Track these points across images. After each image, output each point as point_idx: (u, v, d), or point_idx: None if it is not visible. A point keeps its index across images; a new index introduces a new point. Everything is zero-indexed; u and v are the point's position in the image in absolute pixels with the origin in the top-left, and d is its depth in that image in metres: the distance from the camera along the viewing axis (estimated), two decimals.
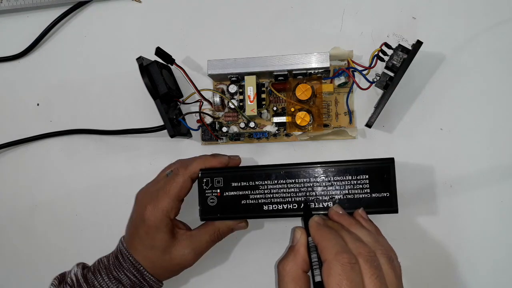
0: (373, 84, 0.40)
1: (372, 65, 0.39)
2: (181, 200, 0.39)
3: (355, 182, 0.36)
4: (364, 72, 0.40)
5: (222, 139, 0.43)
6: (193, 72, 0.44)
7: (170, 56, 0.41)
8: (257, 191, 0.37)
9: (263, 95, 0.41)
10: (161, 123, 0.40)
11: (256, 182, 0.37)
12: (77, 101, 0.46)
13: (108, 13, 0.46)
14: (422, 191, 0.41)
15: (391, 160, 0.36)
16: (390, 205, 0.36)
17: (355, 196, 0.36)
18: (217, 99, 0.42)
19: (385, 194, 0.36)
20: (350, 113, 0.42)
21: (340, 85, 0.42)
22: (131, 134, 0.44)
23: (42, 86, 0.47)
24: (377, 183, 0.36)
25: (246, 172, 0.37)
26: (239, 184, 0.37)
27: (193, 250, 0.38)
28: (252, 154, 0.43)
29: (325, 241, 0.31)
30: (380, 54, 0.39)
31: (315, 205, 0.36)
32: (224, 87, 0.43)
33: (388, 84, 0.39)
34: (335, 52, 0.40)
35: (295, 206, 0.37)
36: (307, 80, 0.41)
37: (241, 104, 0.42)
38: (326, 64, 0.39)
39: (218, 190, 0.38)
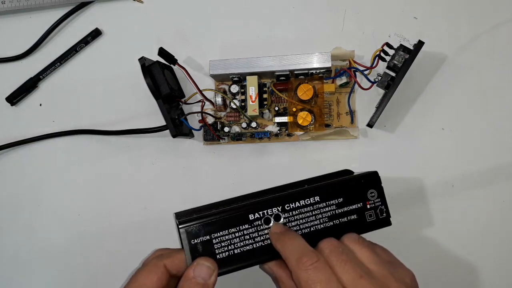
0: (375, 84, 0.40)
1: (374, 65, 0.39)
2: None
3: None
4: (366, 72, 0.40)
5: (224, 139, 0.43)
6: (195, 72, 0.44)
7: (173, 57, 0.41)
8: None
9: (265, 95, 0.41)
10: (163, 123, 0.40)
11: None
12: (79, 102, 0.46)
13: (110, 13, 0.46)
14: (423, 190, 0.41)
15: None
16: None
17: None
18: (219, 99, 0.42)
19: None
20: (351, 113, 0.42)
21: (341, 85, 0.42)
22: (133, 134, 0.44)
23: (44, 86, 0.47)
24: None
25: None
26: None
27: None
28: (254, 154, 0.43)
29: (285, 250, 0.29)
30: (382, 54, 0.39)
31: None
32: (226, 87, 0.43)
33: (389, 84, 0.39)
34: (337, 52, 0.40)
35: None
36: (308, 80, 0.41)
37: (243, 104, 0.42)
38: (328, 64, 0.39)
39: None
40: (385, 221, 0.33)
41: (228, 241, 0.31)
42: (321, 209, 0.32)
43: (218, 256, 0.31)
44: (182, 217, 0.33)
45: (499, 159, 0.41)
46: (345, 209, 0.32)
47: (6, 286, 0.46)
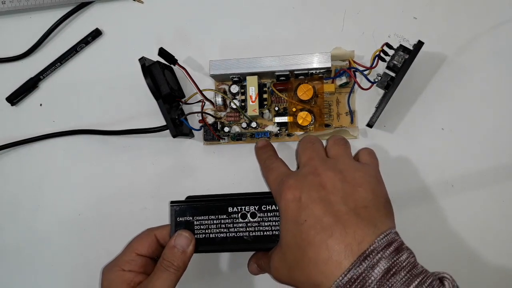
0: (375, 84, 0.40)
1: (374, 65, 0.39)
2: (140, 255, 0.37)
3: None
4: (366, 72, 0.40)
5: (224, 139, 0.43)
6: (195, 72, 0.44)
7: (173, 57, 0.41)
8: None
9: (265, 95, 0.41)
10: (164, 123, 0.40)
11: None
12: (79, 102, 0.46)
13: (110, 13, 0.46)
14: (423, 190, 0.41)
15: None
16: None
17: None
18: (219, 99, 0.42)
19: None
20: (351, 113, 0.42)
21: (341, 85, 0.42)
22: (133, 134, 0.44)
23: (45, 86, 0.47)
24: None
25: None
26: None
27: None
28: (254, 154, 0.43)
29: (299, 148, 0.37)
30: (381, 54, 0.39)
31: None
32: (226, 87, 0.43)
33: (389, 84, 0.39)
34: (337, 52, 0.40)
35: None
36: (308, 80, 0.41)
37: (243, 104, 0.42)
38: (328, 64, 0.39)
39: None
40: None
41: (207, 226, 0.37)
42: None
43: (196, 236, 0.36)
44: (189, 198, 0.39)
45: (499, 159, 0.41)
46: None
47: (7, 286, 0.46)
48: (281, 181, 0.34)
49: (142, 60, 0.39)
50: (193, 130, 0.43)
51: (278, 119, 0.41)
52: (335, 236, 0.29)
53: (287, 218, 0.32)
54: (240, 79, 0.42)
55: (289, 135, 0.42)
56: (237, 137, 0.43)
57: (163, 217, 0.44)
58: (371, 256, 0.28)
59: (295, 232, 0.31)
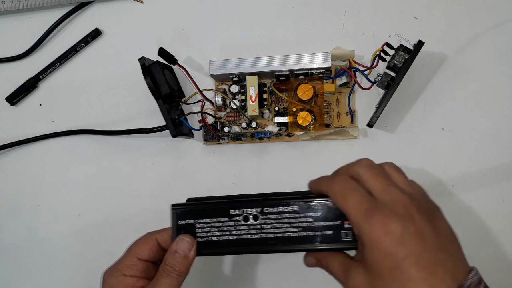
0: (375, 84, 0.40)
1: (374, 65, 0.39)
2: (141, 259, 0.36)
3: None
4: (366, 72, 0.40)
5: (224, 139, 0.43)
6: (195, 72, 0.44)
7: (173, 57, 0.41)
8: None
9: (265, 95, 0.41)
10: (163, 123, 0.40)
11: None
12: (79, 102, 0.46)
13: (110, 13, 0.46)
14: None
15: None
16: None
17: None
18: (219, 99, 0.42)
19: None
20: (351, 113, 0.42)
21: (341, 85, 0.42)
22: (133, 134, 0.44)
23: (44, 86, 0.47)
24: None
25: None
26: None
27: None
28: (254, 154, 0.43)
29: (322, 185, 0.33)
30: (382, 54, 0.39)
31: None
32: (226, 87, 0.43)
33: (389, 84, 0.39)
34: (337, 52, 0.40)
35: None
36: (308, 80, 0.41)
37: (242, 104, 0.42)
38: (328, 64, 0.39)
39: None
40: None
41: (208, 229, 0.35)
42: (297, 219, 0.34)
43: (198, 239, 0.35)
44: (190, 201, 0.38)
45: (499, 159, 0.41)
46: (321, 223, 0.33)
47: (7, 286, 0.46)
48: (368, 208, 0.31)
49: (142, 60, 0.39)
50: (193, 130, 0.43)
51: (278, 119, 0.41)
52: (438, 275, 0.29)
53: (381, 251, 0.30)
54: (240, 79, 0.42)
55: (289, 135, 0.42)
56: (237, 137, 0.43)
57: (163, 217, 0.44)
58: None
59: (391, 266, 0.30)
